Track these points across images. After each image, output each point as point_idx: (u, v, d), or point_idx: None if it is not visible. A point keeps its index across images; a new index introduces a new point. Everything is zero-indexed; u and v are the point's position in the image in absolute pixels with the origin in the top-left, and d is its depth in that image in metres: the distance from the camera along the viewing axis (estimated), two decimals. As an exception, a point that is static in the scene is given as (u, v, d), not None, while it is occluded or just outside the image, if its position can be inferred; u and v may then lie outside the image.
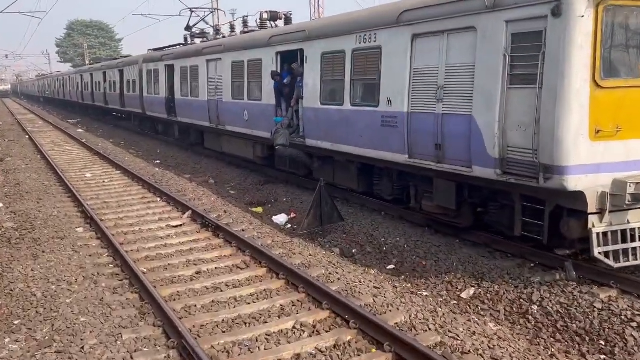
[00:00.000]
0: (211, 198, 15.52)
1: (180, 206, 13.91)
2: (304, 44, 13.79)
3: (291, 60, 15.13)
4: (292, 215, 13.42)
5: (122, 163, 21.09)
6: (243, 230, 11.82)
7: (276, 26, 18.21)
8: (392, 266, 9.87)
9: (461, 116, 9.23)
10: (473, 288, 8.53)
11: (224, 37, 22.45)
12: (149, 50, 29.16)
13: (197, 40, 24.90)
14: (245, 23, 19.92)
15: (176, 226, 12.32)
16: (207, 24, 28.08)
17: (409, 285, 8.94)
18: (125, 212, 13.73)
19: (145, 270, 9.24)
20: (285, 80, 15.12)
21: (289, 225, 12.73)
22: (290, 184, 16.80)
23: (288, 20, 18.12)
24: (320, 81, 13.23)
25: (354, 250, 10.76)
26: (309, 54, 13.57)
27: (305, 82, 13.87)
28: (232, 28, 22.93)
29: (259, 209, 14.44)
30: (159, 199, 15.13)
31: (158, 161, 22.73)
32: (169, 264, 9.73)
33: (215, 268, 9.51)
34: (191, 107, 21.67)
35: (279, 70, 15.22)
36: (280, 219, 13.15)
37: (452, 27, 9.31)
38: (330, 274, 9.10)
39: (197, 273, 9.28)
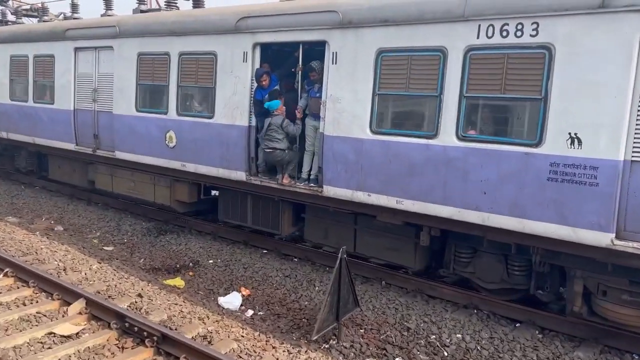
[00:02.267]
0: (86, 264, 9.58)
1: (49, 286, 8.08)
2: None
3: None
4: (245, 292, 8.89)
5: None
6: (205, 339, 6.79)
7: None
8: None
9: None
10: None
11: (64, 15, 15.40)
12: None
13: (27, 20, 17.03)
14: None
15: (68, 337, 6.74)
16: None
17: None
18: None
19: None
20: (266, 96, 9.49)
21: (250, 312, 8.25)
22: (203, 234, 11.77)
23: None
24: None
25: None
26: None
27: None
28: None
29: (178, 282, 9.30)
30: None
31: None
32: None
33: None
34: (32, 118, 14.14)
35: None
36: (231, 301, 8.48)
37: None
38: None
39: None
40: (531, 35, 6.63)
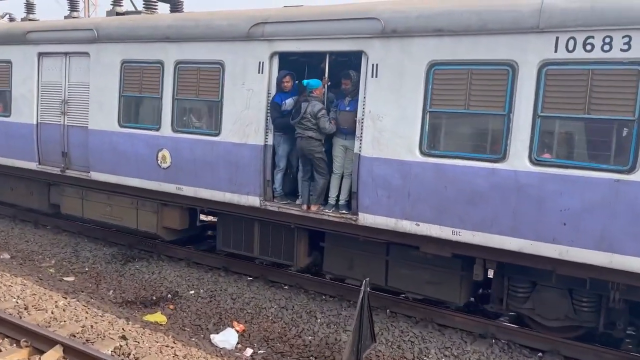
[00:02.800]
0: (50, 301, 8.34)
1: (13, 331, 6.95)
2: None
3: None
4: (239, 327, 8.04)
5: None
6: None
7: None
8: None
9: None
10: None
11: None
12: None
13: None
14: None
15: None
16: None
17: None
18: None
19: None
20: (287, 101, 8.43)
21: (249, 351, 7.39)
22: (175, 259, 10.64)
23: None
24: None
25: None
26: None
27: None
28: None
29: (159, 318, 8.27)
30: None
31: None
32: None
33: None
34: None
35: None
36: (227, 339, 7.58)
37: None
38: None
39: None
40: (622, 50, 5.97)
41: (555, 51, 6.32)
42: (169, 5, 11.68)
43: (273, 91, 8.46)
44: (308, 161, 8.29)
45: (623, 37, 5.96)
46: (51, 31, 11.18)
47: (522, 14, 6.52)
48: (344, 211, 8.12)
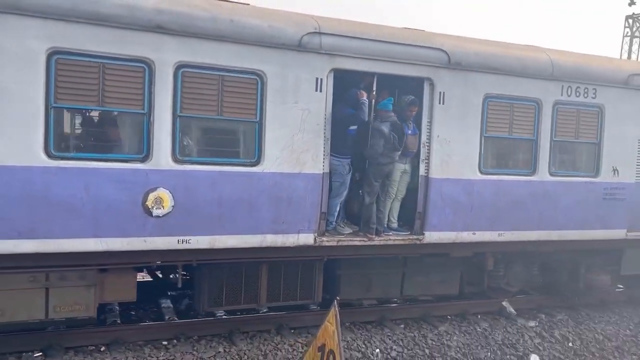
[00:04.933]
0: None
1: None
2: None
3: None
4: None
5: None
6: None
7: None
8: None
9: None
10: None
11: None
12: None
13: None
14: None
15: None
16: None
17: None
18: None
19: None
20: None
21: None
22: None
23: None
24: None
25: None
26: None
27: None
28: None
29: None
30: None
31: None
32: None
33: None
34: None
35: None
36: None
37: None
38: None
39: None
40: (592, 97, 9.20)
41: (561, 95, 8.93)
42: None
43: (329, 111, 7.49)
44: (382, 186, 7.91)
45: (593, 88, 9.17)
46: None
47: (545, 65, 8.77)
48: (404, 233, 8.25)
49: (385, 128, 7.63)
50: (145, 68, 6.53)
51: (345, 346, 7.73)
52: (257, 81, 7.01)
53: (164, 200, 6.66)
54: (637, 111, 9.56)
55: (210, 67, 6.81)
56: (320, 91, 7.34)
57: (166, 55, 6.59)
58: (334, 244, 7.74)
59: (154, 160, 6.60)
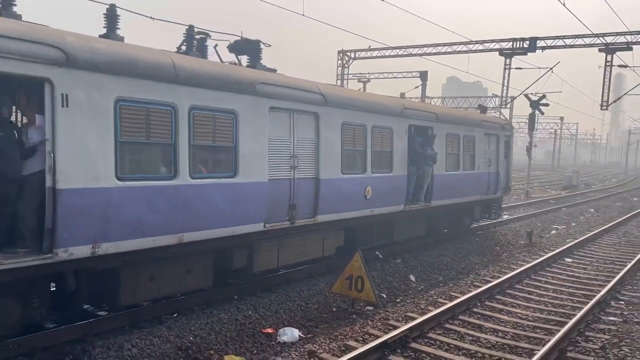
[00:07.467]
0: None
1: None
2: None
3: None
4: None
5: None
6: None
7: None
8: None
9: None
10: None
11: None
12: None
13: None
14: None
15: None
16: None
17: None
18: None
19: None
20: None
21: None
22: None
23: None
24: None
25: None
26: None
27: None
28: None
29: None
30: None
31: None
32: None
33: None
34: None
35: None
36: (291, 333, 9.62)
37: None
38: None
39: None
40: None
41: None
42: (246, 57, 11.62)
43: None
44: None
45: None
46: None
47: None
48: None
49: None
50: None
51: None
52: (391, 130, 15.83)
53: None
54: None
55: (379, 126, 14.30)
56: (407, 135, 15.29)
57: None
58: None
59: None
